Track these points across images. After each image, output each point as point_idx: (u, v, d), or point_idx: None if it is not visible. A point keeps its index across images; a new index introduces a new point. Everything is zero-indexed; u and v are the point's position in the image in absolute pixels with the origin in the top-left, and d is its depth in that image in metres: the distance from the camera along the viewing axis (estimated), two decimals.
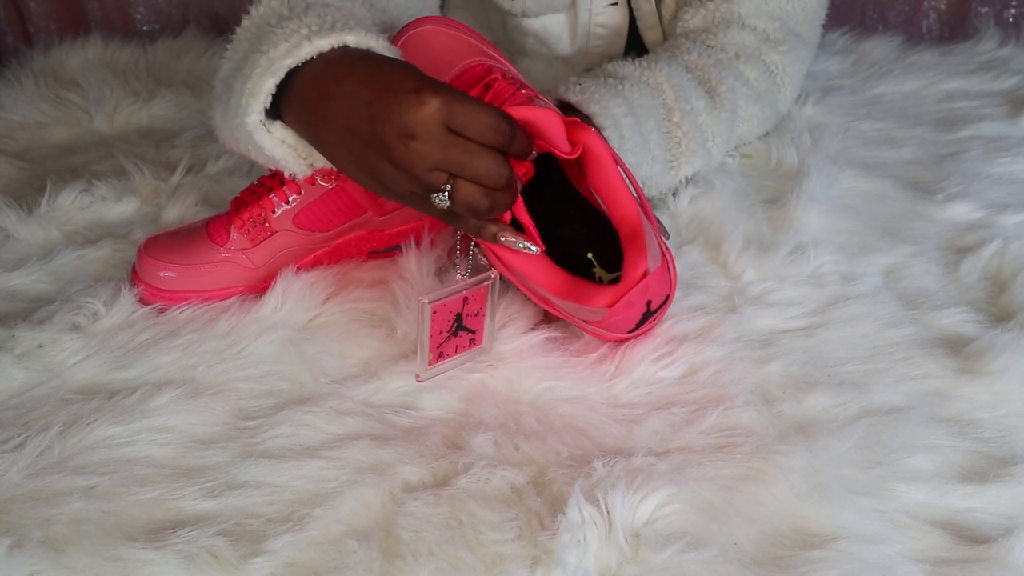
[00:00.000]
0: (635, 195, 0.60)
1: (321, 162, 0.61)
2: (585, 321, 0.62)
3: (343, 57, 0.56)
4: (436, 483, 0.55)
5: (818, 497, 0.53)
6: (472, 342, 0.63)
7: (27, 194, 0.84)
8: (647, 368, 0.63)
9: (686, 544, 0.49)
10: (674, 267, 0.64)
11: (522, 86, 0.62)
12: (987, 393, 0.61)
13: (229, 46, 0.64)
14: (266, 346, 0.65)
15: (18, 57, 1.14)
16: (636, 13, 0.99)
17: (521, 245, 0.58)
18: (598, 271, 0.66)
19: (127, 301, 0.69)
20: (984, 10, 1.28)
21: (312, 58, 0.56)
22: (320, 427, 0.59)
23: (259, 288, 0.71)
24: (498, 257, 0.60)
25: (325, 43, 0.56)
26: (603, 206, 0.61)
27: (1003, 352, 0.63)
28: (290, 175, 0.63)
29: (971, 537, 0.51)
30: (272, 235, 0.70)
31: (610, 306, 0.58)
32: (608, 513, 0.51)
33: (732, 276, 0.74)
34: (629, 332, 0.64)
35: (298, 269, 0.71)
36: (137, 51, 1.17)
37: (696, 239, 0.78)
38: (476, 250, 0.63)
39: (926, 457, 0.56)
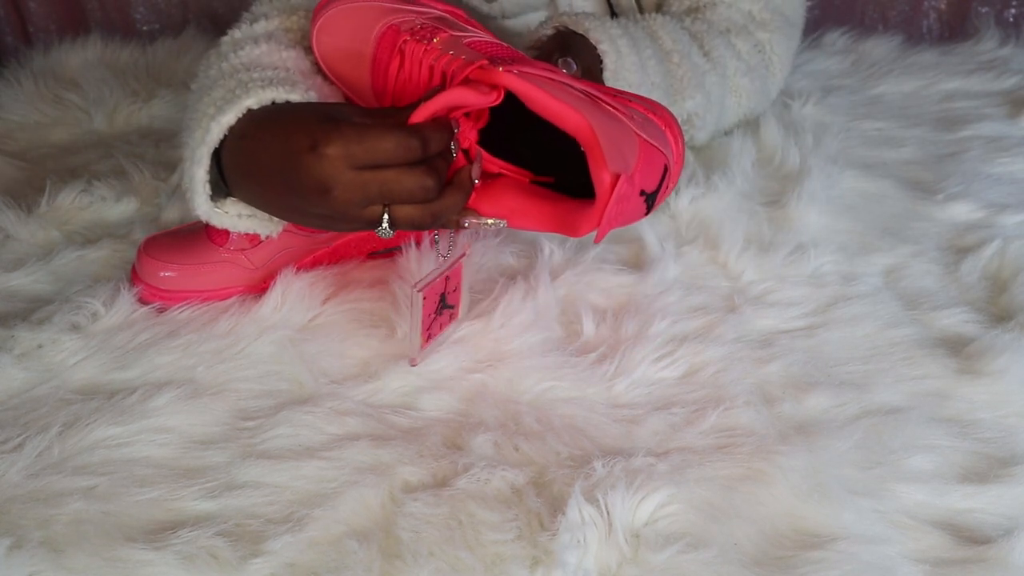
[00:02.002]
0: (579, 99, 0.57)
1: None
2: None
3: (249, 125, 0.57)
4: (436, 483, 0.55)
5: (818, 497, 0.53)
6: (452, 316, 0.64)
7: (27, 194, 0.84)
8: (647, 368, 0.63)
9: (686, 544, 0.49)
10: (662, 134, 0.60)
11: (434, 31, 0.59)
12: (987, 393, 0.61)
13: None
14: (266, 346, 0.65)
15: (18, 57, 1.14)
16: (616, 9, 0.99)
17: (489, 222, 0.59)
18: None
19: (127, 301, 0.69)
20: (984, 10, 1.28)
21: (225, 135, 0.57)
22: (320, 427, 0.59)
23: (259, 288, 0.71)
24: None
25: (230, 118, 0.57)
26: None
27: (1003, 352, 0.63)
28: (266, 238, 0.65)
29: (971, 537, 0.51)
30: None
31: (597, 226, 0.55)
32: (608, 513, 0.51)
33: (732, 276, 0.74)
34: (647, 214, 0.61)
35: (298, 269, 0.71)
36: (137, 51, 1.17)
37: (696, 239, 0.78)
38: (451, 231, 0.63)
39: (926, 457, 0.56)
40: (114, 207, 0.83)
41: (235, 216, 0.61)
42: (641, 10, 0.98)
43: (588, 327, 0.67)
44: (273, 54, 0.64)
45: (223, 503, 0.53)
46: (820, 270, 0.74)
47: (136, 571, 0.49)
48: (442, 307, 0.61)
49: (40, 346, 0.65)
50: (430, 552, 0.49)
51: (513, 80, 0.56)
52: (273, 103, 0.58)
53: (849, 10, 1.33)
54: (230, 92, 0.58)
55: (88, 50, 1.15)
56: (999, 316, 0.68)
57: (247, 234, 0.69)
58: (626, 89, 0.71)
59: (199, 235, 0.70)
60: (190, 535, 0.50)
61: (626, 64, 0.74)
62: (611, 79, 0.73)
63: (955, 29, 1.31)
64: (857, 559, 0.49)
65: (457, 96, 0.55)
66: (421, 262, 0.70)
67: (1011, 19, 1.28)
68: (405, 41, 0.60)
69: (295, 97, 0.58)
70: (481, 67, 0.57)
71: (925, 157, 0.91)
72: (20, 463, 0.55)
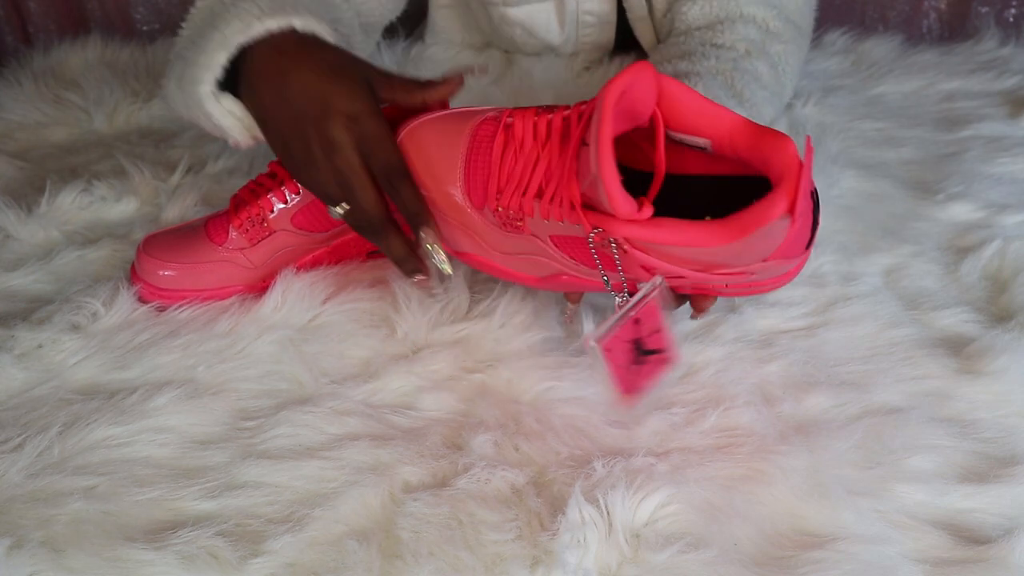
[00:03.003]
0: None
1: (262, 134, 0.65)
2: (759, 270, 0.53)
3: (291, 41, 0.60)
4: (436, 483, 0.55)
5: (818, 497, 0.53)
6: (663, 360, 0.57)
7: (27, 194, 0.84)
8: None
9: (686, 544, 0.49)
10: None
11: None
12: (987, 393, 0.61)
13: (185, 21, 0.68)
14: (266, 346, 0.65)
15: (18, 57, 1.14)
16: (625, 4, 0.99)
17: (435, 259, 0.60)
18: None
19: (127, 301, 0.69)
20: (984, 10, 1.28)
21: (264, 37, 0.60)
22: (320, 427, 0.59)
23: (258, 288, 0.71)
24: (645, 250, 0.52)
25: (274, 24, 0.60)
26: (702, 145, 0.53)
27: (1003, 352, 0.63)
28: (233, 143, 0.66)
29: (971, 537, 0.51)
30: (270, 235, 0.70)
31: (791, 209, 0.47)
32: (608, 513, 0.51)
33: None
34: (807, 248, 0.54)
35: (298, 269, 0.71)
36: (137, 51, 1.16)
37: None
38: (619, 263, 0.55)
39: (926, 457, 0.56)
40: (114, 207, 0.83)
41: (224, 111, 0.63)
42: (652, 11, 0.98)
43: (588, 327, 0.67)
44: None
45: (223, 503, 0.53)
46: (820, 270, 0.74)
47: (136, 571, 0.49)
48: (641, 355, 0.56)
49: (40, 346, 0.65)
50: (430, 552, 0.49)
51: (668, 80, 0.51)
52: (315, 35, 0.61)
53: (849, 10, 1.33)
54: (276, 3, 0.61)
55: (88, 50, 1.15)
56: (999, 316, 0.68)
57: (245, 232, 0.69)
58: None
59: (199, 234, 0.70)
60: (190, 535, 0.50)
61: None
62: None
63: (955, 29, 1.31)
64: (857, 559, 0.49)
65: (623, 82, 0.49)
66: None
67: (1011, 19, 1.28)
68: (510, 115, 0.58)
69: (335, 42, 0.62)
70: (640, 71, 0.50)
71: (925, 157, 0.91)
72: (20, 463, 0.55)
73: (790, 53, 0.90)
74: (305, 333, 0.67)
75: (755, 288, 0.57)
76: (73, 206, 0.82)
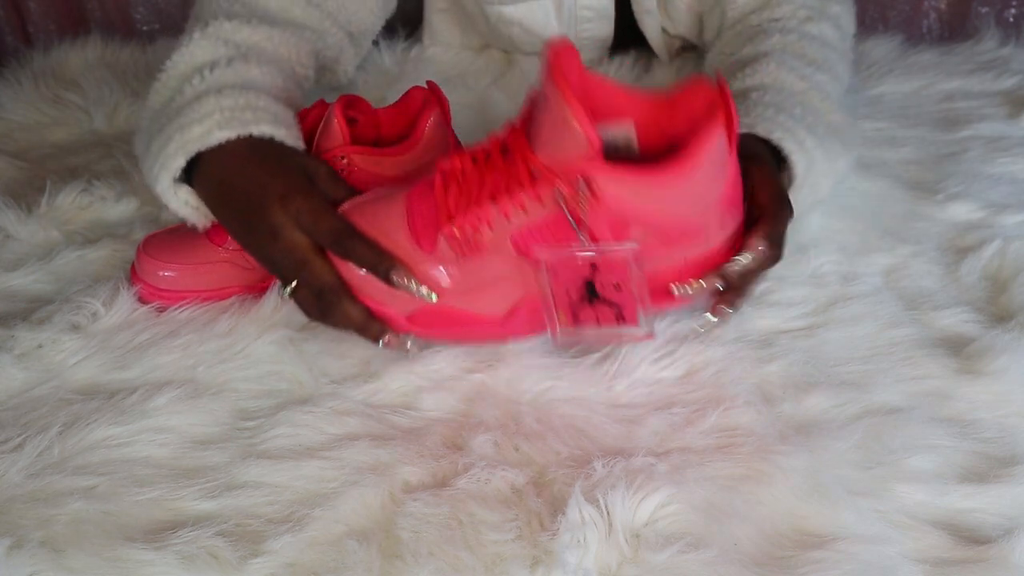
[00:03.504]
0: None
1: None
2: (714, 237, 0.57)
3: (244, 145, 0.64)
4: (436, 483, 0.55)
5: (818, 497, 0.53)
6: (619, 318, 0.58)
7: (27, 194, 0.84)
8: (647, 368, 0.63)
9: (686, 544, 0.49)
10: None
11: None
12: (987, 393, 0.61)
13: (153, 88, 0.72)
14: (266, 346, 0.65)
15: (18, 57, 1.14)
16: (634, 6, 0.99)
17: (418, 291, 0.59)
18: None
19: (127, 301, 0.69)
20: (984, 10, 1.28)
21: (220, 145, 0.64)
22: (320, 427, 0.59)
23: (258, 288, 0.70)
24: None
25: (232, 134, 0.64)
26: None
27: (1003, 352, 0.63)
28: (191, 226, 0.69)
29: (971, 537, 0.51)
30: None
31: (727, 124, 0.53)
32: (608, 513, 0.51)
33: None
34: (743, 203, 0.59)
35: None
36: (137, 51, 1.16)
37: None
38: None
39: (926, 457, 0.56)
40: (114, 207, 0.83)
41: (181, 201, 0.67)
42: (663, 2, 0.97)
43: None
44: (266, 77, 0.72)
45: (223, 503, 0.53)
46: (820, 270, 0.74)
47: (136, 571, 0.49)
48: (591, 296, 0.56)
49: (40, 346, 0.65)
50: (430, 552, 0.49)
51: (586, 71, 0.54)
52: (272, 139, 0.65)
53: None
54: (237, 112, 0.66)
55: (88, 50, 1.15)
56: (999, 316, 0.68)
57: None
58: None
59: (199, 234, 0.70)
60: (190, 535, 0.50)
61: (818, 168, 0.70)
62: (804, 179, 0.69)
63: (955, 29, 1.31)
64: (857, 559, 0.49)
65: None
66: None
67: (1011, 19, 1.28)
68: (442, 162, 0.60)
69: (289, 141, 0.66)
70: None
71: (925, 157, 0.91)
72: (20, 463, 0.55)
73: (847, 12, 0.88)
74: (305, 333, 0.67)
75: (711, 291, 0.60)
76: (73, 206, 0.82)
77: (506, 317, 0.59)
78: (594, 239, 0.55)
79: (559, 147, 0.52)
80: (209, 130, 0.64)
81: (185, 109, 0.66)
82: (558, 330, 0.59)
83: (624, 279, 0.56)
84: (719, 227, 0.58)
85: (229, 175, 0.64)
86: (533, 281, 0.57)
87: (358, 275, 0.60)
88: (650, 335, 0.60)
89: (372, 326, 0.62)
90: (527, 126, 0.56)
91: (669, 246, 0.57)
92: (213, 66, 0.70)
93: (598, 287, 0.56)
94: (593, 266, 0.56)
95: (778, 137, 0.66)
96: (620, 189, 0.53)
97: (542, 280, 0.56)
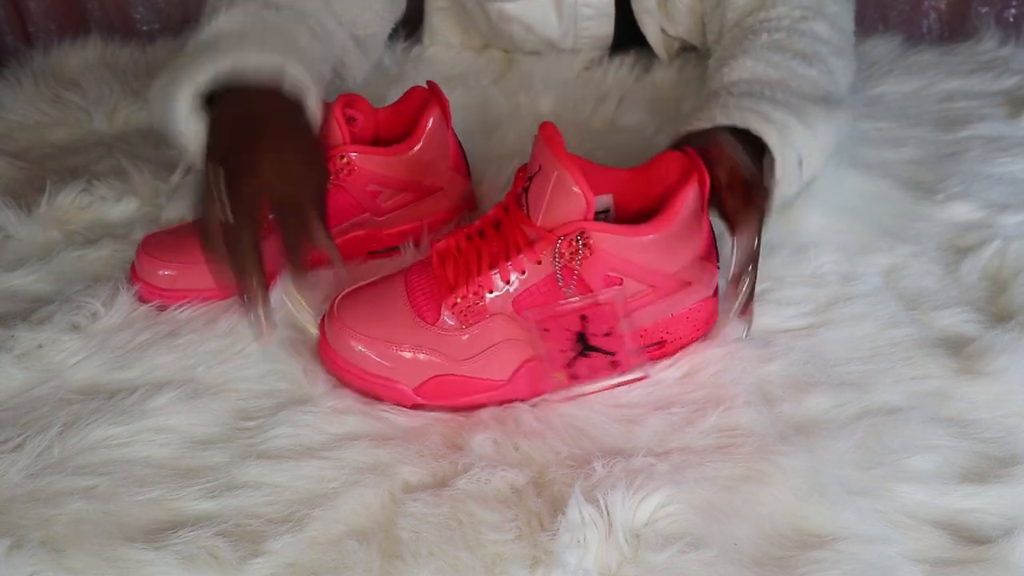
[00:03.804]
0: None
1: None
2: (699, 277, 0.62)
3: (269, 93, 0.64)
4: (436, 483, 0.55)
5: (818, 497, 0.53)
6: (614, 364, 0.60)
7: (27, 194, 0.84)
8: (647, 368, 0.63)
9: (686, 544, 0.49)
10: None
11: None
12: (987, 393, 0.61)
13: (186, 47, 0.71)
14: (266, 346, 0.65)
15: (18, 57, 1.14)
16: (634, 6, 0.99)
17: (296, 310, 0.63)
18: None
19: (127, 301, 0.69)
20: (984, 10, 1.27)
21: (251, 73, 0.64)
22: (320, 427, 0.59)
23: None
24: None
25: (266, 61, 0.64)
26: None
27: (1003, 352, 0.63)
28: (182, 159, 0.70)
29: (971, 538, 0.51)
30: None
31: (700, 178, 0.59)
32: (608, 513, 0.51)
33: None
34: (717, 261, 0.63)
35: None
36: (137, 51, 1.16)
37: None
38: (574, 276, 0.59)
39: (926, 457, 0.56)
40: (114, 207, 0.83)
41: (192, 128, 0.65)
42: (664, 2, 0.97)
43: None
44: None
45: (223, 503, 0.53)
46: (820, 270, 0.74)
47: (136, 571, 0.49)
48: (586, 349, 0.59)
49: (40, 346, 0.65)
50: (430, 552, 0.49)
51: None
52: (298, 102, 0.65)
53: None
54: (276, 49, 0.66)
55: (88, 50, 1.15)
56: (999, 316, 0.68)
57: None
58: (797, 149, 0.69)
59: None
60: (190, 535, 0.50)
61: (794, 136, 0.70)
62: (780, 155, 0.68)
63: (955, 29, 1.31)
64: (857, 559, 0.49)
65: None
66: None
67: (1011, 19, 1.28)
68: (434, 246, 0.64)
69: (312, 99, 0.66)
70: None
71: (925, 157, 0.91)
72: (20, 463, 0.55)
73: (846, 12, 0.88)
74: (305, 333, 0.67)
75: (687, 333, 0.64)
76: (73, 206, 0.82)
77: (510, 380, 0.61)
78: (566, 286, 0.58)
79: (559, 211, 0.57)
80: (242, 55, 0.64)
81: (216, 45, 0.67)
82: (559, 393, 0.61)
83: (613, 324, 0.59)
84: (699, 282, 0.62)
85: (251, 102, 0.63)
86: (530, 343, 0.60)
87: (360, 352, 0.61)
88: (645, 376, 0.62)
89: (251, 283, 0.58)
90: (519, 201, 0.60)
91: (656, 301, 0.61)
92: (243, 36, 0.69)
93: (589, 337, 0.59)
94: (583, 317, 0.59)
95: (740, 118, 0.67)
96: (611, 243, 0.58)
97: (536, 342, 0.59)
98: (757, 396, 0.60)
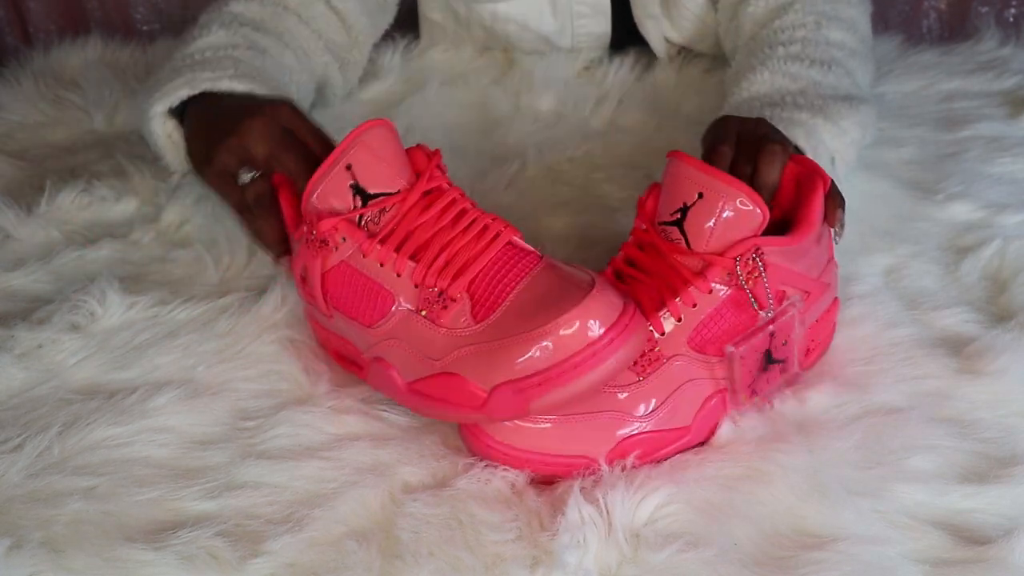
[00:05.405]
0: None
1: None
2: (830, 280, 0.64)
3: (247, 98, 0.69)
4: (436, 484, 0.55)
5: (818, 497, 0.53)
6: (783, 370, 0.60)
7: (26, 194, 0.84)
8: None
9: (686, 544, 0.49)
10: None
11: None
12: (987, 393, 0.61)
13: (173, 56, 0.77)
14: (266, 346, 0.65)
15: (18, 57, 1.13)
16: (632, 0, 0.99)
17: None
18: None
19: (125, 301, 0.69)
20: (984, 10, 1.27)
21: (225, 92, 0.70)
22: (320, 427, 0.59)
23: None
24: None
25: (240, 86, 0.70)
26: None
27: (1003, 352, 0.63)
28: (170, 168, 0.76)
29: (971, 538, 0.51)
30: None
31: (824, 187, 0.62)
32: (608, 513, 0.51)
33: None
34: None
35: None
36: (137, 51, 1.16)
37: None
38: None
39: (926, 457, 0.56)
40: (114, 207, 0.83)
41: (166, 134, 0.73)
42: (667, 9, 0.97)
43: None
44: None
45: (223, 503, 0.53)
46: None
47: (136, 571, 0.49)
48: (768, 363, 0.58)
49: (40, 346, 0.65)
50: (430, 552, 0.49)
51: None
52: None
53: None
54: (253, 71, 0.73)
55: (88, 50, 1.14)
56: (999, 316, 0.68)
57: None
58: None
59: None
60: (190, 535, 0.50)
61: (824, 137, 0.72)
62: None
63: (955, 29, 1.31)
64: (857, 559, 0.49)
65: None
66: None
67: (1011, 19, 1.28)
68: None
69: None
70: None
71: (925, 157, 0.91)
72: (20, 463, 0.55)
73: (863, 15, 0.88)
74: (305, 333, 0.67)
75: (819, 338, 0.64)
76: (73, 206, 0.82)
77: (692, 423, 0.57)
78: (763, 308, 0.57)
79: (729, 231, 0.56)
80: (220, 78, 0.70)
81: (203, 63, 0.73)
82: (741, 411, 0.59)
83: (790, 334, 0.58)
84: (833, 284, 0.64)
85: (225, 104, 0.68)
86: (716, 373, 0.58)
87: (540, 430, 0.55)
88: (801, 372, 0.62)
89: (276, 248, 0.66)
90: (667, 235, 0.58)
91: (807, 308, 0.60)
92: (233, 47, 0.76)
93: (773, 352, 0.58)
94: (772, 334, 0.57)
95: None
96: (778, 255, 0.57)
97: (734, 374, 0.57)
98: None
